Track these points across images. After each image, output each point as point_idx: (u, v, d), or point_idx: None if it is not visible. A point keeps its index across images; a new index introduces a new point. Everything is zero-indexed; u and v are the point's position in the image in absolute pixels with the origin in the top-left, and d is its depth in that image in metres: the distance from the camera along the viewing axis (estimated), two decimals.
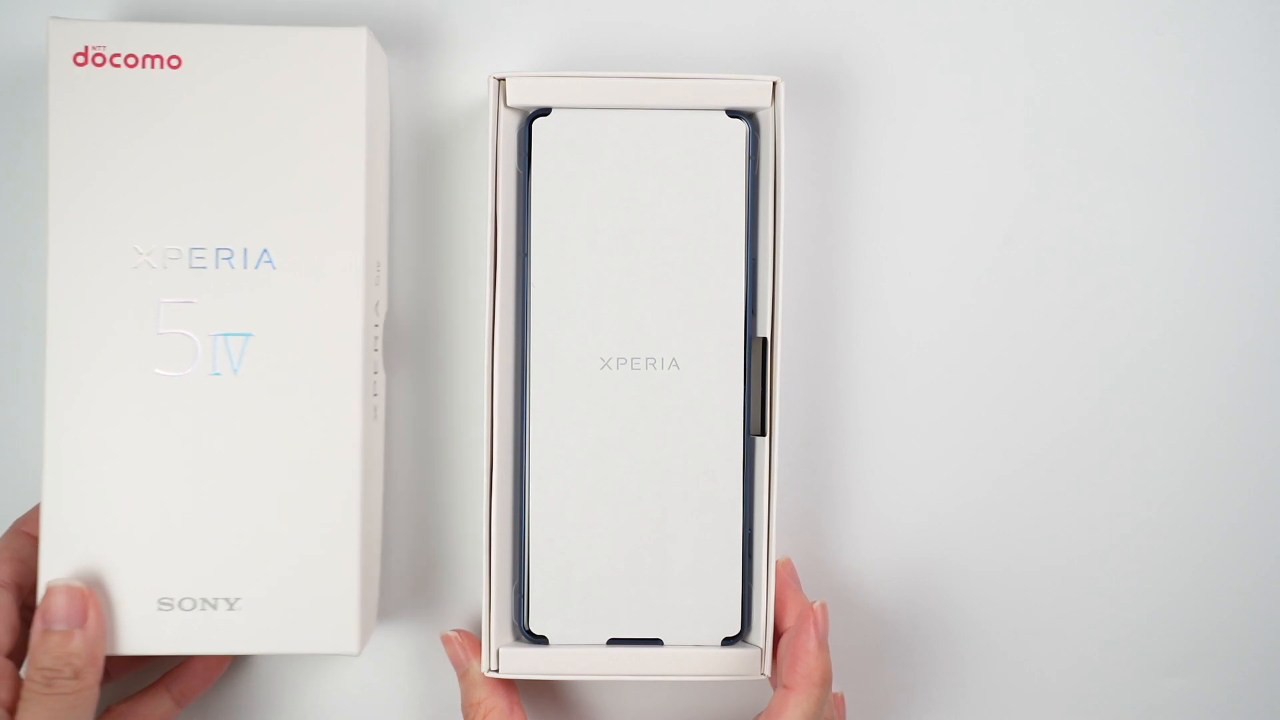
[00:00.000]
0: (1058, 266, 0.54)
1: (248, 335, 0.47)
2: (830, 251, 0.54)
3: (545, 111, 0.49)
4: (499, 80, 0.49)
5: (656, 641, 0.49)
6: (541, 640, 0.49)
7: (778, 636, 0.49)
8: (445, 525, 0.53)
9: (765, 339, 0.49)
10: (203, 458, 0.46)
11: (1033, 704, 0.54)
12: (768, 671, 0.49)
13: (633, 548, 0.49)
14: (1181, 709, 0.55)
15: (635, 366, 0.49)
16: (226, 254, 0.47)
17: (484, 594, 0.49)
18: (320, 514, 0.47)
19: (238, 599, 0.47)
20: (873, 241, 0.54)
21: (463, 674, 0.49)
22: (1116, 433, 0.54)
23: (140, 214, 0.47)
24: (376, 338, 0.49)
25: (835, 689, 0.53)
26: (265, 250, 0.47)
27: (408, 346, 0.53)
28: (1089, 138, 0.54)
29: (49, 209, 0.46)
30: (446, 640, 0.50)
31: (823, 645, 0.47)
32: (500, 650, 0.49)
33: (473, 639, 0.50)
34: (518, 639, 0.50)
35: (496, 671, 0.49)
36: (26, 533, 0.48)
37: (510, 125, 0.50)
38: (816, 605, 0.47)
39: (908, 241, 0.53)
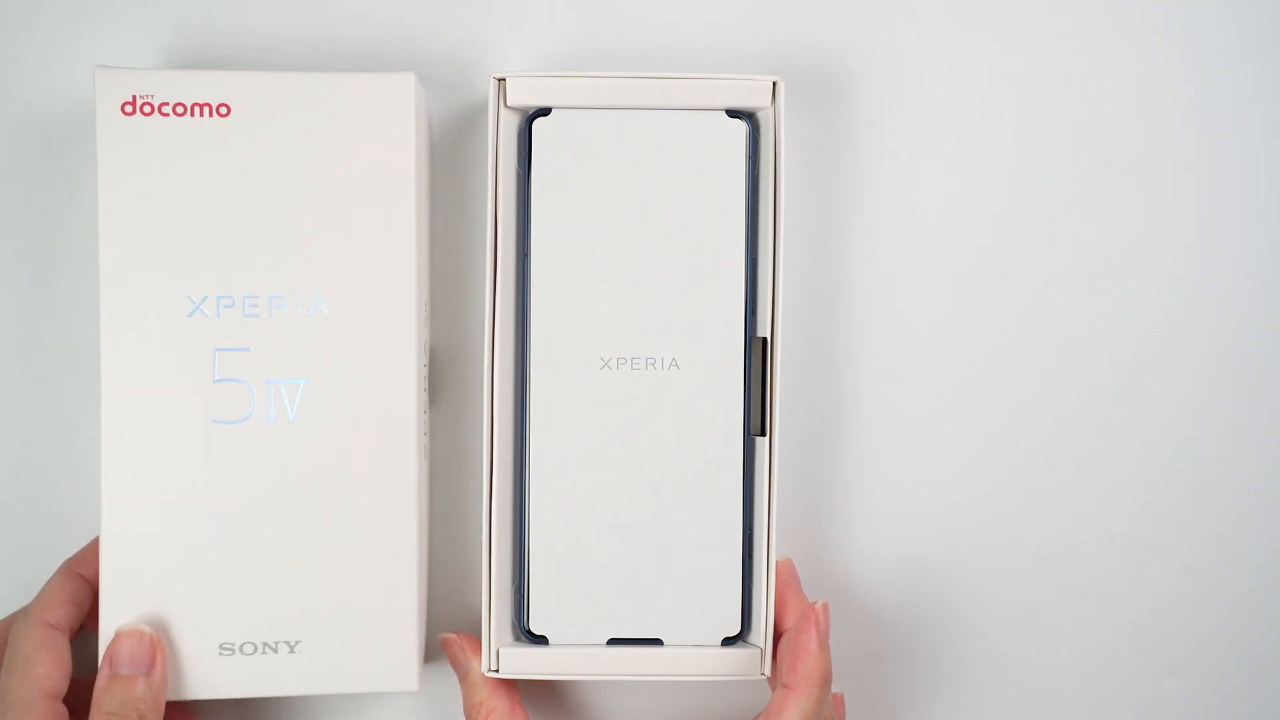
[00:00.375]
0: (1057, 266, 0.54)
1: (303, 381, 0.47)
2: (830, 251, 0.54)
3: (545, 111, 0.49)
4: (499, 80, 0.49)
5: (656, 641, 0.49)
6: (541, 640, 0.49)
7: (778, 636, 0.49)
8: (446, 525, 0.53)
9: (765, 339, 0.49)
10: (260, 503, 0.47)
11: (1033, 703, 0.54)
12: (768, 671, 0.49)
13: (633, 548, 0.49)
14: (1181, 709, 0.55)
15: (635, 366, 0.49)
16: (280, 301, 0.47)
17: (483, 594, 0.49)
18: (378, 556, 0.47)
19: (298, 641, 0.47)
20: (873, 241, 0.54)
21: (464, 676, 0.49)
22: (1116, 433, 0.54)
23: (193, 262, 0.47)
24: (425, 377, 0.50)
25: (835, 689, 0.53)
26: (319, 296, 0.47)
27: (444, 379, 0.53)
28: (1087, 137, 0.54)
29: (100, 258, 0.46)
30: (446, 642, 0.50)
31: (823, 645, 0.47)
32: (500, 650, 0.49)
33: (473, 640, 0.50)
34: (518, 639, 0.50)
35: (496, 671, 0.49)
36: (80, 575, 0.48)
37: (510, 125, 0.50)
38: (818, 605, 0.47)
39: (908, 241, 0.53)
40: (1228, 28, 0.54)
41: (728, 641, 0.49)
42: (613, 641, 0.49)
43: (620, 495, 0.49)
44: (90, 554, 0.49)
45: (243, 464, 0.47)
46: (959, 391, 0.54)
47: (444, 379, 0.53)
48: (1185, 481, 0.54)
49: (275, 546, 0.47)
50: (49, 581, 0.48)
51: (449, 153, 0.53)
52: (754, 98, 0.49)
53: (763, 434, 0.49)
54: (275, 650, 0.47)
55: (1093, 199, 0.54)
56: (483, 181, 0.52)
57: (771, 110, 0.49)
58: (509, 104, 0.49)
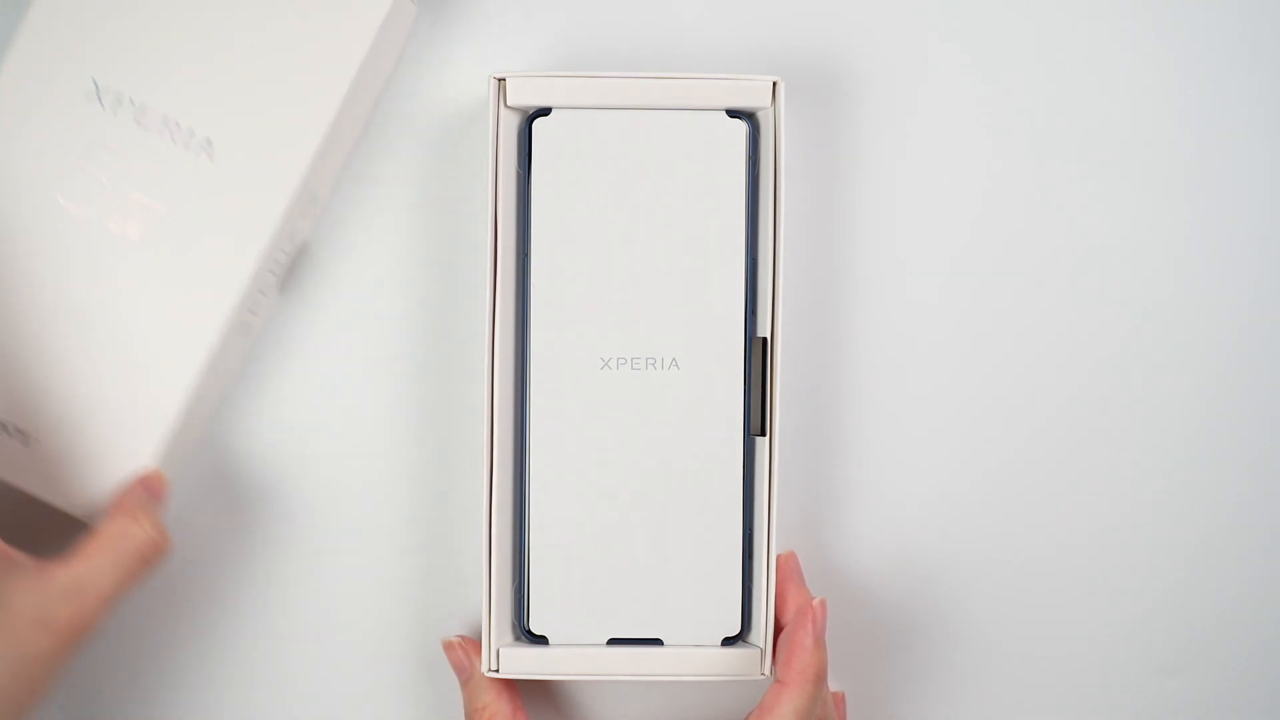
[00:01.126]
0: (1057, 266, 0.54)
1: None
2: (830, 251, 0.53)
3: (545, 111, 0.49)
4: (499, 80, 0.49)
5: (656, 641, 0.49)
6: (542, 640, 0.49)
7: (778, 631, 0.49)
8: (447, 526, 0.53)
9: (765, 339, 0.49)
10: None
11: (1033, 702, 0.54)
12: (768, 671, 0.49)
13: (633, 548, 0.49)
14: (1181, 708, 0.55)
15: (635, 366, 0.49)
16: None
17: (484, 594, 0.48)
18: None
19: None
20: (873, 241, 0.53)
21: (466, 680, 0.49)
22: (1116, 433, 0.54)
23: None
24: (280, 263, 0.50)
25: (837, 687, 0.53)
26: None
27: (323, 290, 0.53)
28: (1088, 137, 0.54)
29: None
30: (449, 646, 0.50)
31: (819, 642, 0.47)
32: (500, 650, 0.49)
33: (475, 644, 0.50)
34: (518, 639, 0.50)
35: (496, 671, 0.49)
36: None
37: (510, 125, 0.50)
38: (816, 602, 0.47)
39: (908, 241, 0.53)
40: (1236, 33, 0.54)
41: (728, 641, 0.49)
42: (613, 641, 0.49)
43: (620, 495, 0.49)
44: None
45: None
46: (959, 390, 0.54)
47: (443, 369, 0.53)
48: (1184, 480, 0.54)
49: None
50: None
51: (450, 153, 0.53)
52: (754, 98, 0.49)
53: (763, 434, 0.49)
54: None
55: (1092, 197, 0.54)
56: (483, 181, 0.52)
57: (771, 110, 0.49)
58: (509, 104, 0.49)
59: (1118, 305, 0.54)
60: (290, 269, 0.52)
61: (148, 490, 0.47)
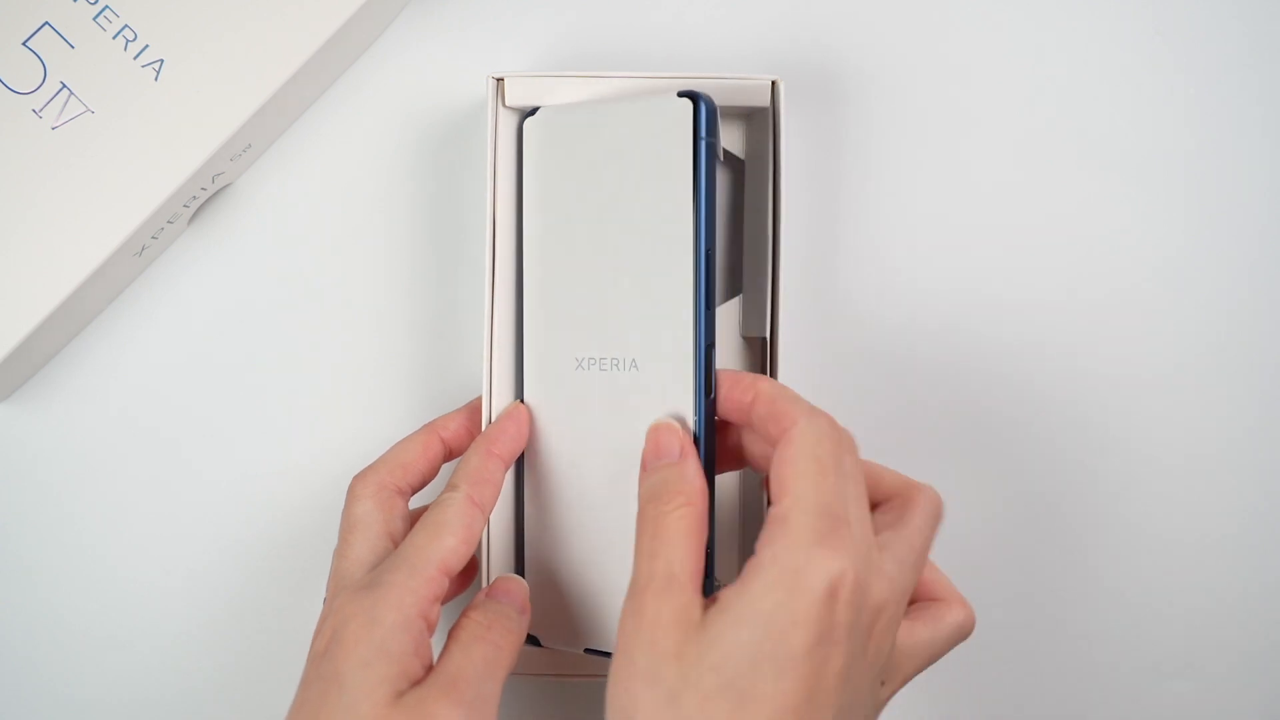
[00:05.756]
0: (1056, 265, 0.54)
1: None
2: (830, 251, 0.53)
3: (534, 111, 0.49)
4: (498, 80, 0.49)
5: None
6: (533, 641, 0.48)
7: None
8: None
9: (764, 339, 0.49)
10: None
11: (1033, 702, 0.54)
12: None
13: (604, 560, 0.47)
14: (1181, 708, 0.55)
15: (603, 367, 0.47)
16: None
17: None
18: None
19: None
20: (873, 241, 0.53)
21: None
22: (1116, 433, 0.54)
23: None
24: (195, 198, 0.50)
25: None
26: None
27: (232, 233, 0.53)
28: (1087, 137, 0.54)
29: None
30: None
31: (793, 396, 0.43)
32: None
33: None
34: None
35: None
36: (501, 458, 0.47)
37: (509, 125, 0.49)
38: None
39: (908, 241, 0.53)
40: (1232, 31, 0.54)
41: None
42: (589, 651, 0.47)
43: (597, 499, 0.47)
44: (502, 432, 0.47)
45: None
46: (959, 390, 0.54)
47: (444, 369, 0.53)
48: (1186, 479, 0.54)
49: None
50: (470, 459, 0.46)
51: (452, 153, 0.53)
52: (753, 97, 0.49)
53: None
54: None
55: (1092, 196, 0.54)
56: (482, 181, 0.52)
57: (771, 109, 0.49)
58: (507, 104, 0.49)
59: (1120, 305, 0.54)
60: (205, 205, 0.52)
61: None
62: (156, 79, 0.48)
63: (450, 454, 0.49)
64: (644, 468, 0.43)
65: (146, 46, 0.48)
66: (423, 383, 0.53)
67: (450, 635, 0.43)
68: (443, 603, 0.44)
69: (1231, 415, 0.54)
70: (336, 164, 0.53)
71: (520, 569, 0.49)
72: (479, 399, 0.49)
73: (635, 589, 0.40)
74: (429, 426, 0.49)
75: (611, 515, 0.46)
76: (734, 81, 0.49)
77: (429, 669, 0.42)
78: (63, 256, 0.47)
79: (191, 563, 0.53)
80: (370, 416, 0.53)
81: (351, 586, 0.43)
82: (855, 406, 0.53)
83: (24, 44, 0.47)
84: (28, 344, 0.48)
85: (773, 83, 0.49)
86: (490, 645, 0.43)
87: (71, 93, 0.47)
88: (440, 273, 0.53)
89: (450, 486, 0.45)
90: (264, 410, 0.53)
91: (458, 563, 0.43)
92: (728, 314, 0.51)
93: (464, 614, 0.44)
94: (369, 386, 0.53)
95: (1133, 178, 0.54)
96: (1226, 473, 0.54)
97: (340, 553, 0.45)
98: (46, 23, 0.47)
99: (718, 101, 0.46)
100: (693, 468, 0.42)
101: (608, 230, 0.46)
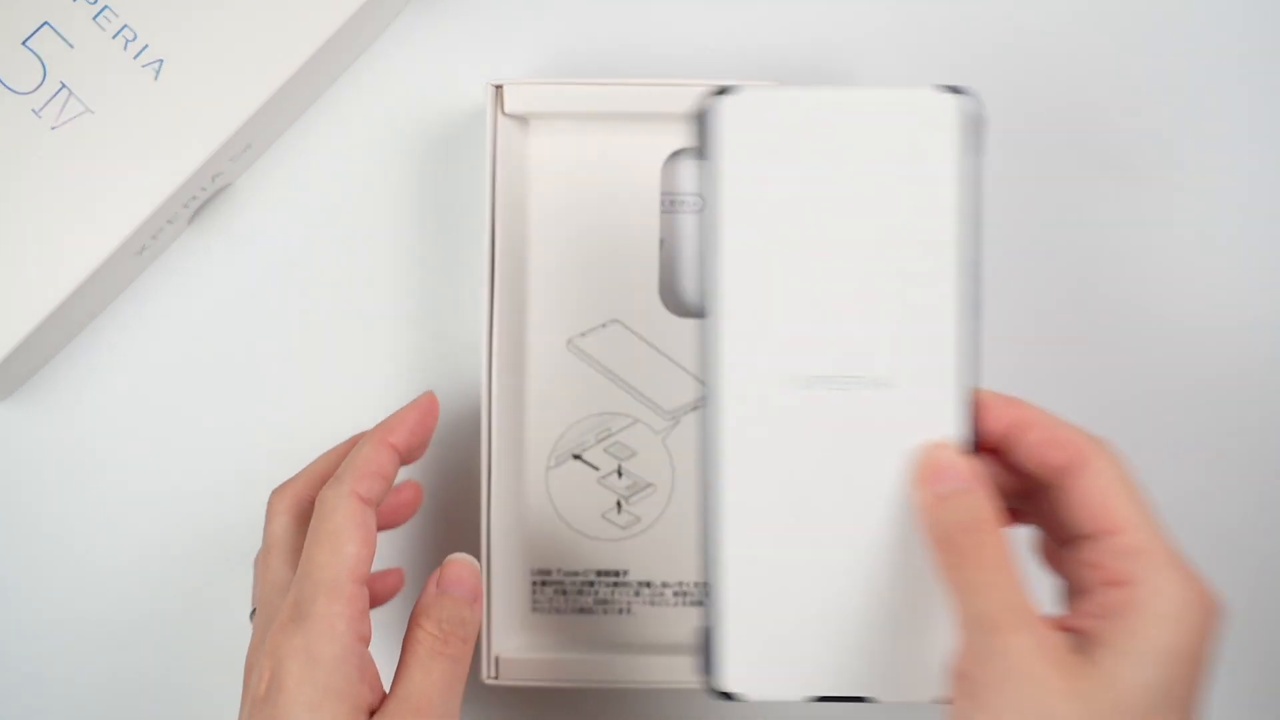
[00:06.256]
0: (1057, 264, 0.54)
1: None
2: None
3: (732, 88, 0.42)
4: (496, 87, 0.49)
5: (866, 699, 0.42)
6: (732, 697, 0.42)
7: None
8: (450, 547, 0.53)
9: None
10: None
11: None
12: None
13: (836, 594, 0.42)
14: None
15: (838, 386, 0.41)
16: None
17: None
18: None
19: None
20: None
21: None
22: (1115, 433, 0.54)
23: None
24: (195, 198, 0.50)
25: None
26: None
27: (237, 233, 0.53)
28: (1086, 137, 0.54)
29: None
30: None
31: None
32: (499, 657, 0.49)
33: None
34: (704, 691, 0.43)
35: (496, 679, 0.49)
36: (392, 445, 0.45)
37: (508, 131, 0.49)
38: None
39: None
40: (1232, 30, 0.54)
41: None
42: (821, 699, 0.42)
43: (832, 529, 0.41)
44: (400, 423, 0.46)
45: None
46: None
47: (443, 372, 0.53)
48: (1187, 480, 0.54)
49: None
50: (361, 449, 0.44)
51: (454, 154, 0.53)
52: None
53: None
54: None
55: (1095, 194, 0.54)
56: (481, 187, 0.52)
57: None
58: (506, 111, 0.49)
59: (1119, 304, 0.54)
60: (205, 205, 0.52)
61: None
62: (156, 79, 0.48)
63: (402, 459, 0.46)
64: (924, 490, 0.40)
65: (146, 46, 0.48)
66: (422, 383, 0.53)
67: (406, 648, 0.42)
68: (371, 608, 0.42)
69: (1233, 415, 0.54)
70: (336, 164, 0.53)
71: (712, 611, 0.42)
72: (425, 395, 0.48)
73: (983, 623, 0.38)
74: (370, 432, 0.46)
75: (848, 545, 0.41)
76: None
77: (378, 690, 0.41)
78: (63, 256, 0.47)
79: (193, 561, 0.53)
80: (369, 416, 0.53)
81: (277, 619, 0.41)
82: None
83: (24, 44, 0.47)
84: (28, 344, 0.48)
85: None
86: (448, 660, 0.42)
87: (71, 93, 0.47)
88: (440, 273, 0.53)
89: (336, 479, 0.43)
90: (263, 410, 0.53)
91: (366, 568, 0.42)
92: None
93: (416, 619, 0.42)
94: (368, 386, 0.53)
95: (1132, 177, 0.54)
96: (1228, 471, 0.54)
97: (259, 576, 0.44)
98: (46, 23, 0.47)
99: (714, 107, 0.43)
100: (989, 491, 0.40)
101: (843, 233, 0.41)
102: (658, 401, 0.51)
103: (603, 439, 0.51)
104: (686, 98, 0.49)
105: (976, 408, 0.41)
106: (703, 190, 0.41)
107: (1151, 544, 0.39)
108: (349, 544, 0.41)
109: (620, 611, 0.51)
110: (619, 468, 0.51)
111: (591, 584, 0.51)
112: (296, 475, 0.46)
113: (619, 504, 0.51)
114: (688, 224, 0.53)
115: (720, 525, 0.42)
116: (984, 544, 0.39)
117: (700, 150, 0.41)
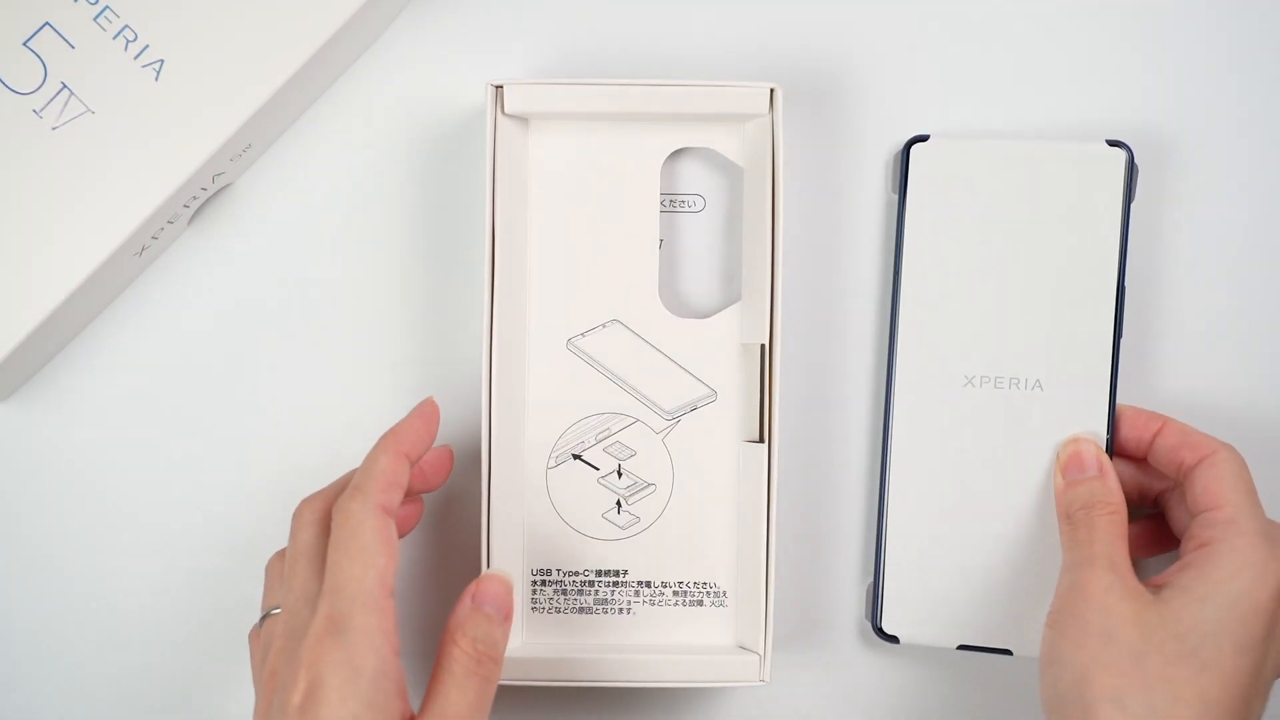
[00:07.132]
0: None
1: None
2: (832, 256, 0.53)
3: (924, 138, 0.51)
4: (496, 87, 0.49)
5: (1005, 652, 0.50)
6: (892, 639, 0.51)
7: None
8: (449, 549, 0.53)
9: (762, 345, 0.49)
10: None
11: (1033, 701, 0.54)
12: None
13: (985, 560, 0.50)
14: None
15: (999, 385, 0.50)
16: None
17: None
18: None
19: None
20: (874, 243, 0.53)
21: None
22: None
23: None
24: (195, 198, 0.50)
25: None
26: None
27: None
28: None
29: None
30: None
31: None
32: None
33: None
34: (870, 636, 0.52)
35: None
36: (407, 455, 0.45)
37: (508, 132, 0.49)
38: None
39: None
40: (1238, 29, 0.54)
41: None
42: (962, 647, 0.50)
43: (982, 505, 0.50)
44: (409, 431, 0.46)
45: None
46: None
47: (444, 372, 0.53)
48: None
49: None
50: (377, 460, 0.45)
51: (456, 155, 0.53)
52: (752, 104, 0.49)
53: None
54: None
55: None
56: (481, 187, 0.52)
57: (770, 117, 0.49)
58: (506, 111, 0.49)
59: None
60: (205, 205, 0.52)
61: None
62: (156, 79, 0.48)
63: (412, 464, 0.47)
64: (1063, 476, 0.49)
65: (146, 46, 0.48)
66: (422, 384, 0.53)
67: (441, 664, 0.43)
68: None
69: (1234, 414, 0.53)
70: (336, 164, 0.53)
71: (878, 571, 0.51)
72: (427, 402, 0.48)
73: (1076, 566, 0.46)
74: (383, 442, 0.46)
75: (998, 520, 0.50)
76: (732, 88, 0.49)
77: (407, 703, 0.42)
78: (63, 256, 0.47)
79: (193, 562, 0.53)
80: (368, 415, 0.53)
81: (310, 630, 0.41)
82: (841, 413, 0.53)
83: (24, 44, 0.47)
84: (28, 344, 0.48)
85: (771, 90, 0.49)
86: (481, 680, 0.43)
87: (72, 93, 0.48)
88: (439, 273, 0.53)
89: (358, 490, 0.44)
90: (263, 410, 0.53)
91: (394, 580, 0.43)
92: (727, 321, 0.51)
93: (450, 635, 0.43)
94: (368, 386, 0.53)
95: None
96: None
97: (279, 581, 0.45)
98: (47, 23, 0.48)
99: (712, 108, 0.49)
100: (1115, 481, 0.48)
101: (1013, 259, 0.50)
102: (658, 401, 0.51)
103: (603, 439, 0.51)
104: (686, 98, 0.49)
105: (1117, 415, 0.50)
106: (897, 218, 0.51)
107: (1241, 516, 0.45)
108: (379, 557, 0.42)
109: (620, 611, 0.51)
110: (619, 468, 0.51)
111: (591, 584, 0.51)
112: (328, 487, 0.47)
113: (619, 504, 0.51)
114: (688, 224, 0.53)
115: (888, 497, 0.51)
116: (1097, 518, 0.47)
117: (897, 185, 0.51)
